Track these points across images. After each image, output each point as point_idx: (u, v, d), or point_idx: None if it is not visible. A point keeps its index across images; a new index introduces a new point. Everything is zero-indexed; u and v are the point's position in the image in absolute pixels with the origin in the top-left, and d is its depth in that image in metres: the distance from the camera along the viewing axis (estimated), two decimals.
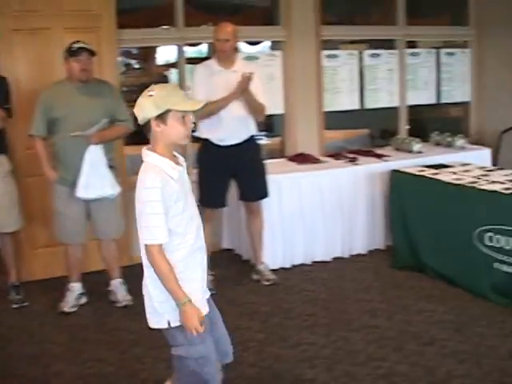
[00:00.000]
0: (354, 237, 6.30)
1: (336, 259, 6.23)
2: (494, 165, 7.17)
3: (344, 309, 5.10)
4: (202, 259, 3.05)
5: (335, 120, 7.40)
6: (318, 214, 6.09)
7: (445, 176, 5.69)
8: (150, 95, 2.85)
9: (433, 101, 8.19)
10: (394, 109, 7.78)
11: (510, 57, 7.93)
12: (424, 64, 8.04)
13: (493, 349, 4.32)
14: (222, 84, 5.25)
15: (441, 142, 7.30)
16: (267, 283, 5.65)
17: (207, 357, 2.98)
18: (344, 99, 7.41)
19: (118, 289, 5.34)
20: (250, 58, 6.73)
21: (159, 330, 3.02)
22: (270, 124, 7.52)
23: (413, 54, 7.94)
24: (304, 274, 5.88)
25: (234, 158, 5.38)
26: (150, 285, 2.94)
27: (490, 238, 5.05)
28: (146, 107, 2.84)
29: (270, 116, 6.57)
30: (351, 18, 8.06)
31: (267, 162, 5.86)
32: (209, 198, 5.47)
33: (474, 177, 5.63)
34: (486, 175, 5.69)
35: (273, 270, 5.83)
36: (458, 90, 8.40)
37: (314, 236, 6.08)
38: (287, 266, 6.05)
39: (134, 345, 4.58)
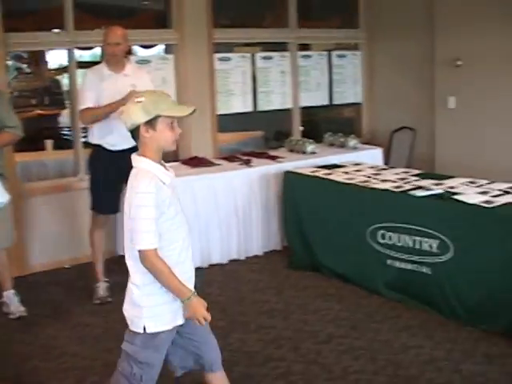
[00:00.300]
0: (249, 239, 6.30)
1: (232, 261, 6.21)
2: (386, 164, 7.34)
3: (241, 311, 5.08)
4: (191, 260, 3.09)
5: (229, 123, 7.40)
6: (212, 216, 6.06)
7: (337, 176, 5.76)
8: (139, 101, 2.85)
9: (325, 102, 8.33)
10: (287, 111, 7.85)
11: (399, 59, 8.15)
12: (316, 66, 8.17)
13: (387, 344, 4.41)
14: (113, 88, 5.15)
15: (334, 143, 7.41)
16: None
17: (151, 365, 2.98)
18: (237, 102, 7.43)
19: (11, 300, 5.14)
20: (142, 61, 6.65)
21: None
22: None
23: (305, 57, 8.05)
24: (200, 277, 5.81)
25: (126, 163, 5.28)
26: (136, 291, 2.94)
27: (383, 236, 5.15)
28: (135, 113, 2.85)
29: None
30: (244, 20, 8.08)
31: None
32: (102, 203, 5.36)
33: (366, 176, 5.72)
34: (377, 174, 5.80)
35: None
36: (350, 92, 8.58)
37: (209, 239, 6.05)
38: None
39: (28, 358, 4.40)
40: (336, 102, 8.44)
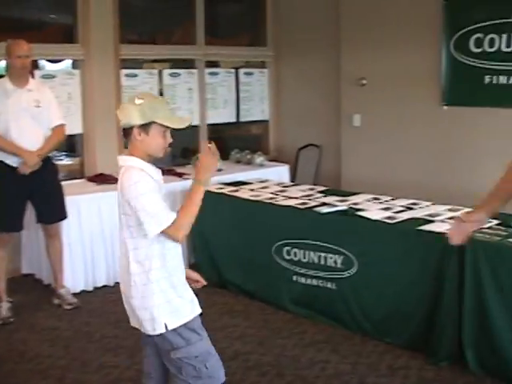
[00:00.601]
0: None
1: None
2: (293, 181, 7.42)
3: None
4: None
5: None
6: (118, 234, 5.96)
7: (243, 193, 5.80)
8: (139, 103, 2.87)
9: (233, 119, 8.38)
10: (194, 127, 7.84)
11: (306, 77, 8.28)
12: (223, 83, 8.21)
13: (294, 359, 4.46)
14: (17, 104, 5.09)
15: (241, 160, 7.45)
16: (69, 307, 5.47)
17: (207, 351, 3.03)
18: None
19: None
20: (47, 76, 6.52)
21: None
22: (70, 144, 7.31)
23: (212, 74, 8.08)
24: (107, 296, 5.73)
25: (29, 179, 5.18)
26: (147, 291, 2.92)
27: (288, 252, 5.20)
28: (132, 114, 2.87)
29: (71, 136, 6.37)
30: (153, 36, 8.04)
31: (67, 182, 5.72)
32: (5, 221, 5.23)
33: (272, 193, 5.78)
34: (283, 191, 5.86)
35: (74, 294, 5.66)
36: (257, 109, 8.66)
37: (115, 257, 5.95)
38: (90, 288, 5.90)
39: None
40: (243, 119, 8.51)
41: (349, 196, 5.54)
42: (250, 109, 8.54)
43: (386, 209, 5.03)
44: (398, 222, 4.64)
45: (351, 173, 7.59)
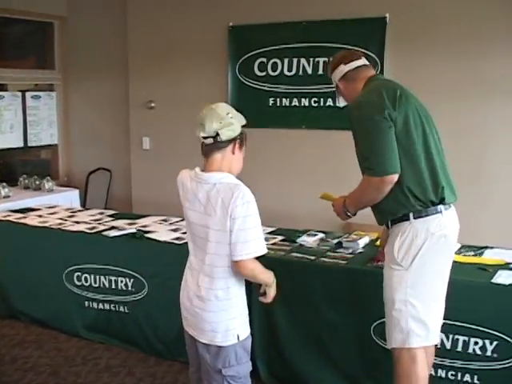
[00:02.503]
0: None
1: None
2: (83, 205, 7.35)
3: None
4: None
5: None
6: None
7: (31, 220, 5.65)
8: (231, 117, 2.93)
9: (20, 144, 8.14)
10: None
11: (95, 100, 8.27)
12: (9, 107, 7.96)
13: None
14: None
15: (29, 186, 7.24)
16: None
17: (248, 375, 3.13)
18: None
19: None
20: None
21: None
22: None
23: None
24: None
25: None
26: (226, 305, 3.01)
27: (79, 278, 5.15)
28: (236, 128, 2.94)
29: None
30: None
31: None
32: None
33: (61, 218, 5.69)
34: (72, 216, 5.80)
35: None
36: (46, 133, 8.48)
37: None
38: None
39: None
40: (31, 143, 8.29)
41: (138, 219, 5.60)
42: (38, 133, 8.34)
43: (175, 230, 5.13)
44: (186, 243, 4.72)
45: (142, 195, 7.66)
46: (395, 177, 3.17)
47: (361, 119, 3.28)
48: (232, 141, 2.97)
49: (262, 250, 2.94)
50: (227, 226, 2.87)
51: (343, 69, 3.54)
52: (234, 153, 3.00)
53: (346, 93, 3.59)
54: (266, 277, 3.13)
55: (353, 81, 3.53)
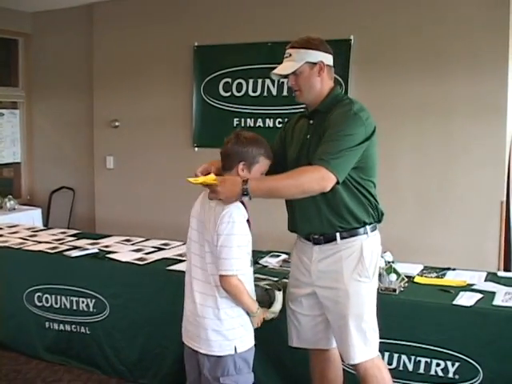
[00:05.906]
0: None
1: None
2: (46, 225, 7.28)
3: None
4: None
5: None
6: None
7: None
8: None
9: None
10: None
11: (59, 119, 8.23)
12: None
13: None
14: None
15: None
16: None
17: None
18: None
19: None
20: None
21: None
22: None
23: None
24: None
25: None
26: (227, 315, 3.08)
27: (40, 298, 5.07)
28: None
29: None
30: None
31: None
32: None
33: (22, 238, 5.61)
34: (34, 235, 5.72)
35: None
36: (9, 151, 8.42)
37: None
38: None
39: None
40: None
41: (101, 239, 5.54)
42: (0, 151, 8.27)
43: (138, 250, 5.08)
44: (148, 263, 4.71)
45: (105, 215, 7.61)
46: (335, 185, 3.07)
47: (356, 122, 3.11)
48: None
49: (244, 270, 3.06)
50: (215, 240, 3.02)
51: (323, 58, 3.27)
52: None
53: (307, 84, 3.29)
54: (250, 302, 3.14)
55: (323, 77, 3.28)
